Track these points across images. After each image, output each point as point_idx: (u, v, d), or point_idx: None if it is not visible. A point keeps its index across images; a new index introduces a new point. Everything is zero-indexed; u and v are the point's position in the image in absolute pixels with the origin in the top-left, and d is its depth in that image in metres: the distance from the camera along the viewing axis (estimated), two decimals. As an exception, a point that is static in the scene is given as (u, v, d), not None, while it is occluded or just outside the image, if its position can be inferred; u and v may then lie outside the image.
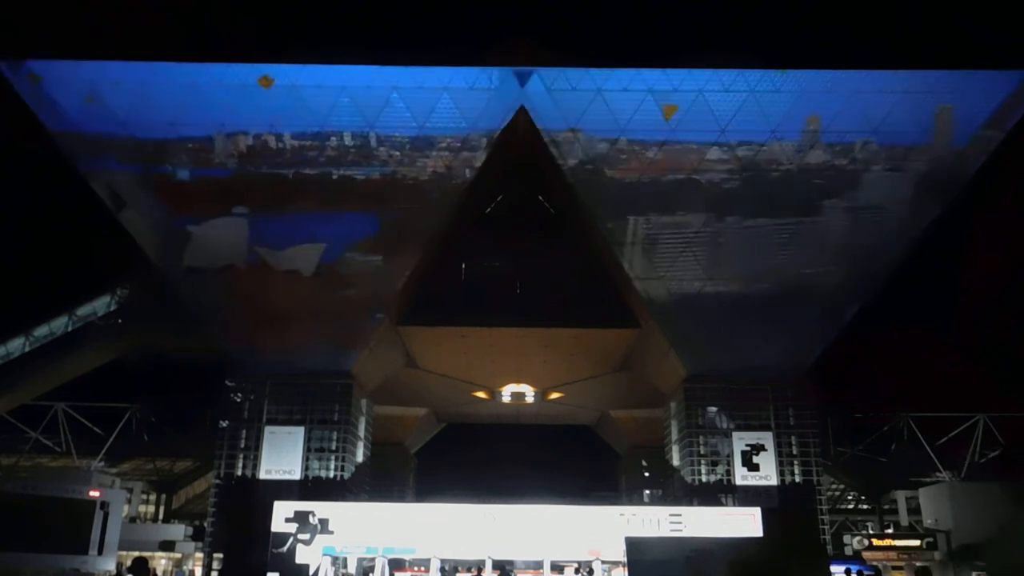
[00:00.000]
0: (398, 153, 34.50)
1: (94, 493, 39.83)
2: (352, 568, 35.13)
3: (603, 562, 33.49)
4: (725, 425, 38.79)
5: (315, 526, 33.49)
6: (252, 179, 34.76)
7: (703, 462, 38.56)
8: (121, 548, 40.39)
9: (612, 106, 33.93)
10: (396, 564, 34.81)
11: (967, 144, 34.11)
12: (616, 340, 41.99)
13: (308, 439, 38.23)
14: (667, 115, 33.87)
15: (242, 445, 38.42)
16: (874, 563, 41.12)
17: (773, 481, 37.47)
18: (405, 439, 55.49)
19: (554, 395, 50.48)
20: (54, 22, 43.25)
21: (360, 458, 41.46)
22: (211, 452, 40.20)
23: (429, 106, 34.01)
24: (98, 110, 33.79)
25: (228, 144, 34.34)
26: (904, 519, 48.68)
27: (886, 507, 52.34)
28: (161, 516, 53.41)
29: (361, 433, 41.92)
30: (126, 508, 44.95)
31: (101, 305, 43.07)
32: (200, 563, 40.42)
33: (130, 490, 47.88)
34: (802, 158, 34.40)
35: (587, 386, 48.54)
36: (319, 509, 34.05)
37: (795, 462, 38.24)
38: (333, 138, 34.34)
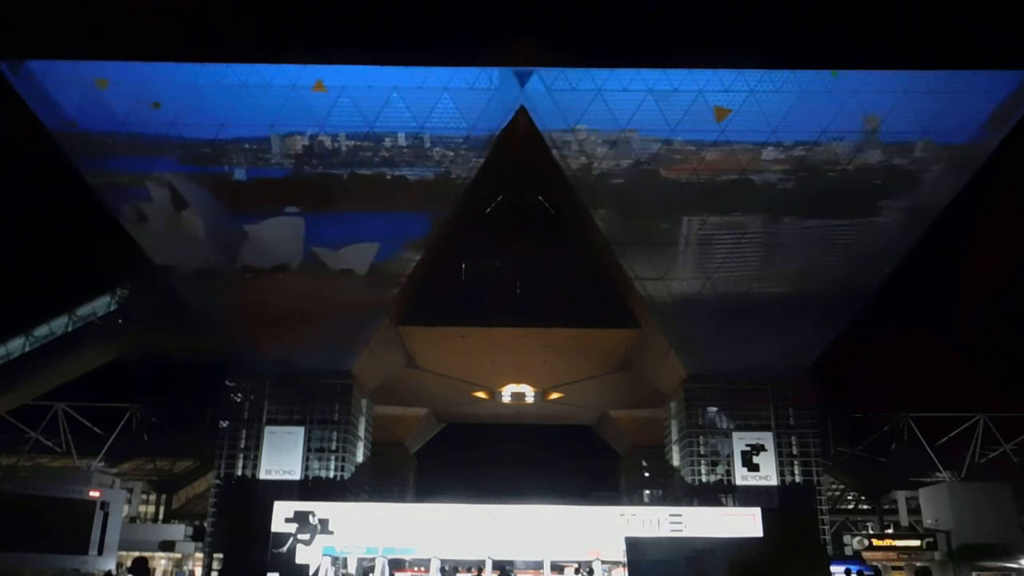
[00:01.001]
0: (400, 153, 34.55)
1: (94, 493, 39.83)
2: (352, 568, 35.14)
3: (603, 562, 33.49)
4: (725, 425, 38.79)
5: (315, 526, 33.49)
6: (306, 179, 34.98)
7: (703, 462, 38.56)
8: (121, 548, 40.38)
9: (612, 106, 33.93)
10: (396, 564, 34.84)
11: (967, 144, 34.11)
12: (616, 340, 41.99)
13: (308, 439, 38.24)
14: (719, 118, 33.83)
15: (242, 445, 38.43)
16: (874, 563, 41.10)
17: (773, 481, 37.48)
18: (405, 439, 55.49)
19: (554, 395, 50.48)
20: (54, 22, 43.26)
21: (360, 458, 41.46)
22: (211, 452, 40.22)
23: (429, 106, 34.00)
24: (102, 110, 33.88)
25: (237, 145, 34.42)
26: (904, 519, 48.68)
27: (886, 507, 52.35)
28: (161, 516, 53.42)
29: (361, 433, 41.93)
30: (126, 508, 44.93)
31: (101, 305, 43.07)
32: (200, 563, 40.43)
33: (130, 490, 47.87)
34: (804, 159, 34.39)
35: (587, 386, 48.54)
36: (319, 509, 34.05)
37: (795, 462, 38.25)
38: (334, 138, 34.46)
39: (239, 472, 38.02)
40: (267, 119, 34.12)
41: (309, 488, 37.31)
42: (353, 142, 34.44)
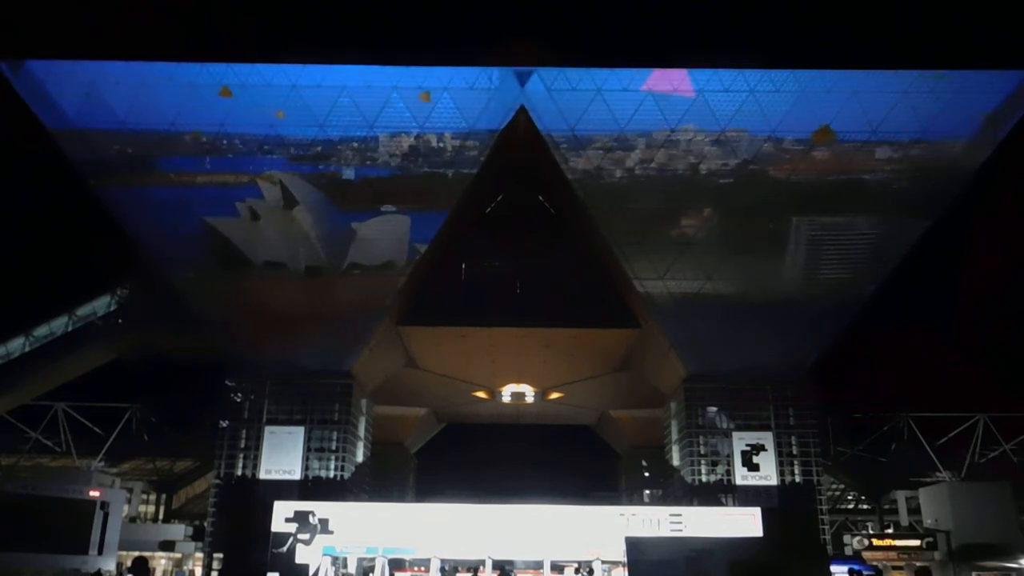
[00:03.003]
0: (398, 152, 34.62)
1: (94, 493, 39.82)
2: (352, 568, 35.14)
3: (603, 562, 33.49)
4: (725, 425, 38.78)
5: (315, 526, 33.50)
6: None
7: (703, 462, 38.55)
8: (121, 548, 40.37)
9: (612, 106, 33.95)
10: (396, 564, 34.83)
11: (967, 144, 34.10)
12: (616, 340, 41.98)
13: (308, 439, 38.23)
14: (822, 139, 33.81)
15: (242, 445, 38.44)
16: (874, 563, 41.09)
17: (773, 481, 37.47)
18: (405, 439, 55.48)
19: (554, 395, 50.47)
20: (54, 22, 43.24)
21: (360, 458, 41.46)
22: (211, 452, 40.21)
23: (429, 106, 34.03)
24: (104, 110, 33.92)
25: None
26: (904, 519, 48.67)
27: (886, 507, 52.33)
28: (161, 516, 53.40)
29: (361, 433, 41.93)
30: (126, 508, 44.91)
31: (101, 305, 43.06)
32: (200, 563, 40.42)
33: (130, 490, 47.85)
34: (803, 159, 34.39)
35: (587, 386, 48.54)
36: (319, 509, 34.07)
37: (795, 462, 38.24)
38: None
39: (239, 472, 38.01)
40: (267, 119, 34.15)
41: (309, 488, 37.30)
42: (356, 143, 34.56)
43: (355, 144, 34.59)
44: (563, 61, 34.98)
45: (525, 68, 34.20)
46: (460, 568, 35.18)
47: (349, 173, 34.99)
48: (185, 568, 45.03)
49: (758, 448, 37.97)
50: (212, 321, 37.69)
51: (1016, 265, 46.80)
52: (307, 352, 37.85)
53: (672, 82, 33.98)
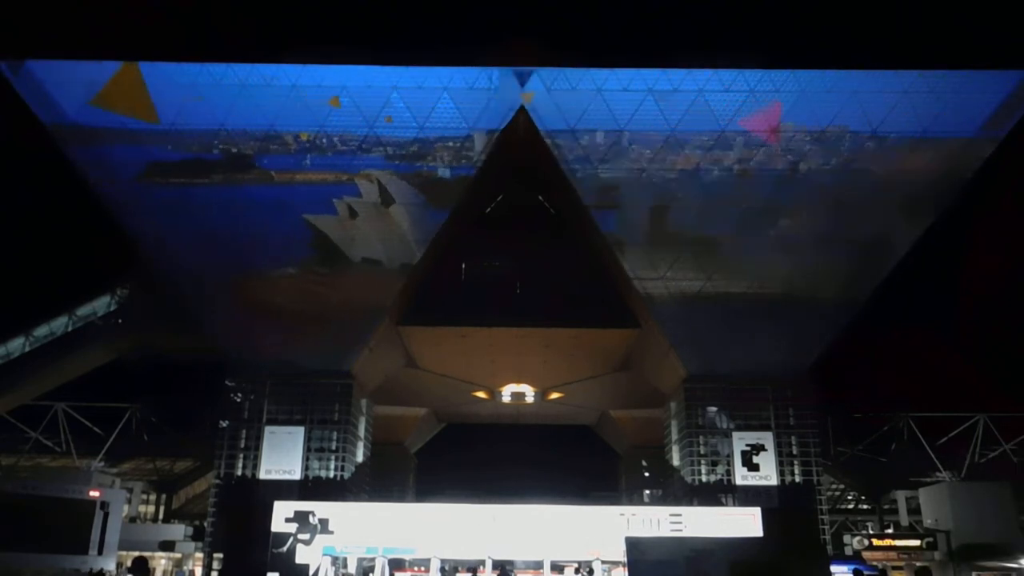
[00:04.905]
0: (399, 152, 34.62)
1: (94, 493, 39.74)
2: (352, 568, 35.14)
3: (603, 562, 33.48)
4: (725, 425, 38.79)
5: (315, 526, 33.48)
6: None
7: (703, 462, 38.55)
8: (121, 548, 40.30)
9: (612, 106, 33.94)
10: (396, 564, 34.83)
11: (967, 144, 34.10)
12: (616, 340, 41.98)
13: (308, 439, 38.24)
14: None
15: (242, 445, 38.43)
16: (874, 563, 41.09)
17: (773, 481, 37.47)
18: (405, 439, 55.48)
19: (554, 395, 50.47)
20: (54, 22, 43.24)
21: (360, 458, 41.46)
22: (211, 452, 40.21)
23: (429, 106, 34.03)
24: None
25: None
26: (904, 519, 48.66)
27: (886, 507, 52.33)
28: (161, 516, 53.39)
29: (361, 433, 41.92)
30: (126, 508, 44.85)
31: (101, 305, 43.09)
32: (200, 563, 40.42)
33: (130, 490, 47.81)
34: (803, 157, 34.39)
35: (587, 386, 48.53)
36: (319, 509, 34.04)
37: (795, 462, 38.24)
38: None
39: (239, 472, 38.02)
40: (266, 119, 34.15)
41: (309, 488, 37.31)
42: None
43: (354, 141, 34.60)
44: (563, 61, 34.98)
45: (525, 68, 34.19)
46: (460, 568, 35.14)
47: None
48: (185, 568, 45.00)
49: (758, 448, 37.98)
50: (212, 321, 37.68)
51: (1016, 265, 46.83)
52: (307, 352, 37.85)
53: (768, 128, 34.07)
